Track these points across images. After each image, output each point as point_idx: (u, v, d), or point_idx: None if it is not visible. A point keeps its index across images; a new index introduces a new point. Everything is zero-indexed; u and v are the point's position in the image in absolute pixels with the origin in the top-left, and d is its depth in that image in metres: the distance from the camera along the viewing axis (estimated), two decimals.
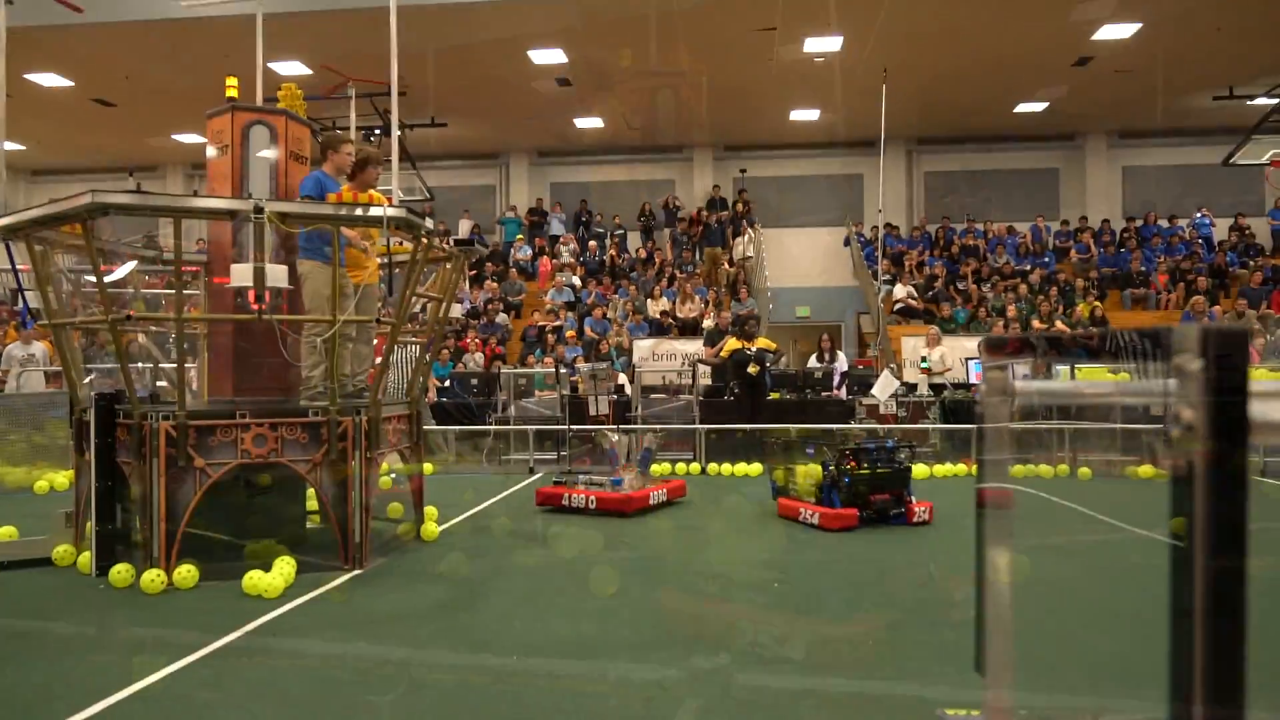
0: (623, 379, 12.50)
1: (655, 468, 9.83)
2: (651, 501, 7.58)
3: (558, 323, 15.66)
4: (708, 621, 4.40)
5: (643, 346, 14.18)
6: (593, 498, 7.48)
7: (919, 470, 9.04)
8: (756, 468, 10.00)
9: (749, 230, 18.94)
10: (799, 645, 4.04)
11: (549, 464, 10.73)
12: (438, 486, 7.93)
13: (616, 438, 7.91)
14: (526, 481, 9.74)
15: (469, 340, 14.76)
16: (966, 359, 12.27)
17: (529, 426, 10.89)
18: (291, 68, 13.93)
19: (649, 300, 16.78)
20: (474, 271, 17.89)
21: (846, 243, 19.71)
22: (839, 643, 4.12)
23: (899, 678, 3.60)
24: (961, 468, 9.81)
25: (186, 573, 5.06)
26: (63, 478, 9.26)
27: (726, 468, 10.11)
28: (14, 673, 3.73)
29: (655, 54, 14.54)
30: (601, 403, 10.65)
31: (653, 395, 11.46)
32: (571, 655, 3.89)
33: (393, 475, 7.99)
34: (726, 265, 18.23)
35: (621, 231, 19.95)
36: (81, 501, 5.81)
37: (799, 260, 19.93)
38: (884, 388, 10.58)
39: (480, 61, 14.88)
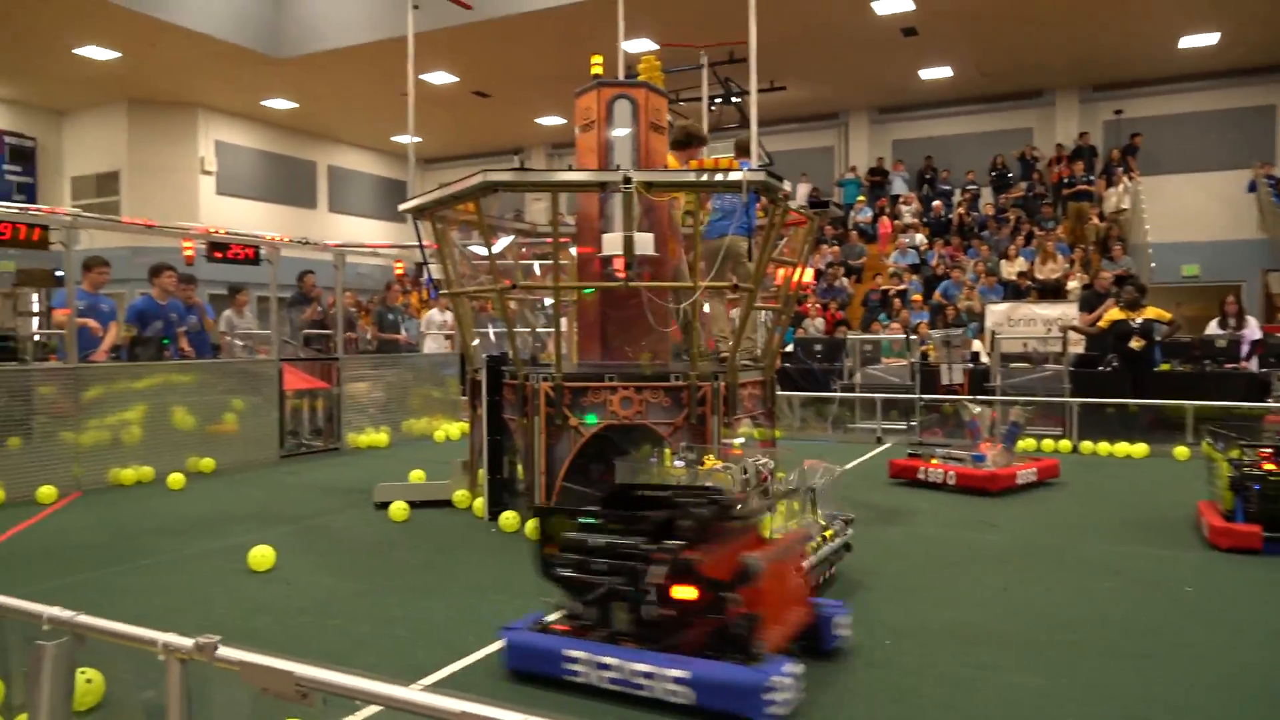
0: (977, 345, 11.62)
1: (1021, 444, 9.01)
2: (1019, 481, 6.92)
3: (902, 286, 14.93)
4: (1101, 623, 3.86)
5: (996, 311, 13.05)
6: (952, 473, 6.98)
7: None
8: (1141, 448, 8.79)
9: (1124, 179, 16.71)
10: (1220, 667, 3.40)
11: (897, 434, 10.27)
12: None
13: (979, 410, 7.30)
14: (874, 451, 9.39)
15: (809, 305, 14.55)
16: None
17: (876, 394, 10.49)
18: (641, 45, 14.51)
19: (1003, 261, 15.43)
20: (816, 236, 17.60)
21: (1251, 188, 16.67)
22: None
23: None
24: None
25: (536, 526, 5.43)
26: (455, 429, 10.49)
27: (1104, 446, 9.00)
28: (431, 602, 4.20)
29: None
30: (955, 371, 9.99)
31: (1013, 365, 10.50)
32: (948, 645, 3.59)
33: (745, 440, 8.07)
34: (1096, 220, 16.24)
35: (973, 187, 18.53)
36: (474, 452, 6.48)
37: (1187, 211, 17.20)
38: None
39: (820, 19, 14.45)
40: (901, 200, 18.61)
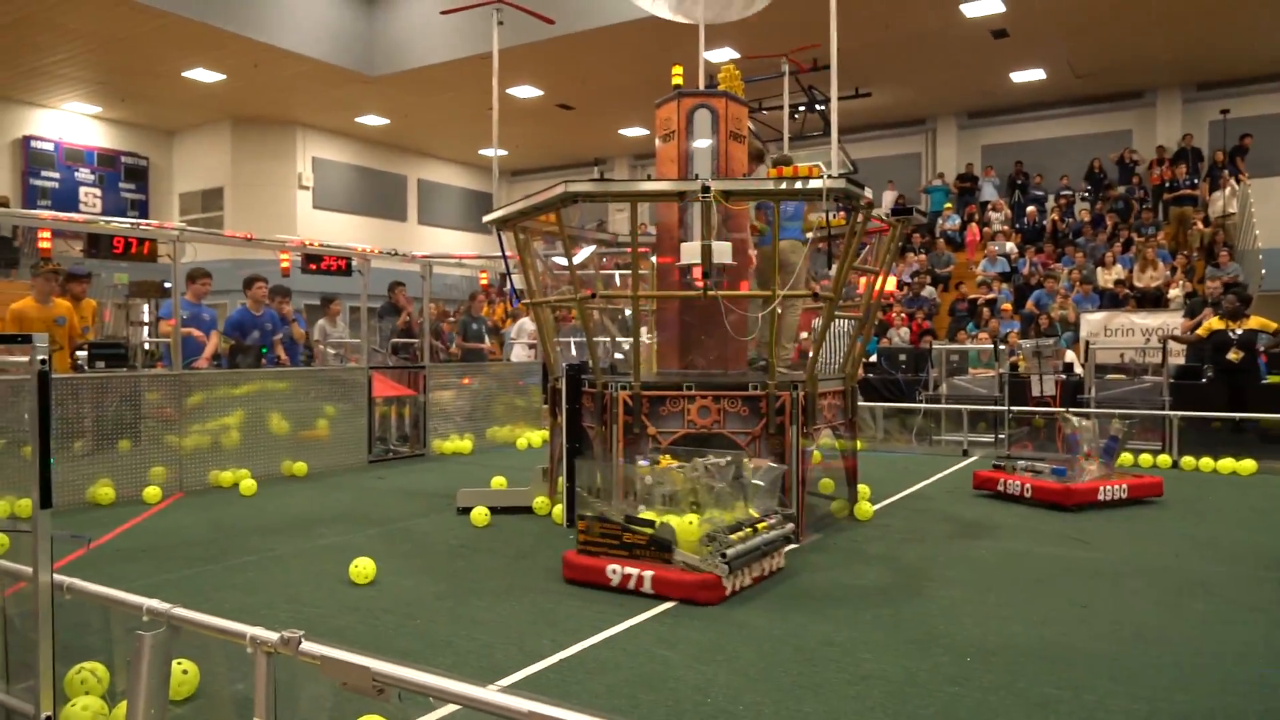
0: (1071, 356, 11.21)
1: (1145, 459, 8.67)
2: (1100, 497, 6.66)
3: (991, 295, 14.52)
4: (1193, 646, 3.67)
5: (1093, 320, 12.61)
6: (1029, 486, 6.81)
7: None
8: (1248, 465, 8.34)
9: (1230, 182, 15.91)
10: None
11: (985, 447, 9.98)
12: (866, 464, 7.73)
13: (1082, 423, 7.04)
14: (961, 464, 9.14)
15: (894, 315, 14.28)
16: None
17: (963, 406, 10.21)
18: (723, 54, 14.52)
19: (1099, 268, 14.85)
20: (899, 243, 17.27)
21: None
22: None
23: None
24: None
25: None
26: (537, 436, 10.64)
27: (1206, 462, 8.56)
28: (510, 606, 4.27)
29: None
30: (1047, 383, 9.66)
31: (1109, 376, 10.10)
32: (1034, 664, 3.47)
33: (825, 451, 7.98)
34: (1200, 225, 15.50)
35: (1069, 193, 17.91)
36: (554, 459, 6.56)
37: None
38: None
39: (907, 23, 14.21)
40: (991, 207, 18.11)
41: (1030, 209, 17.73)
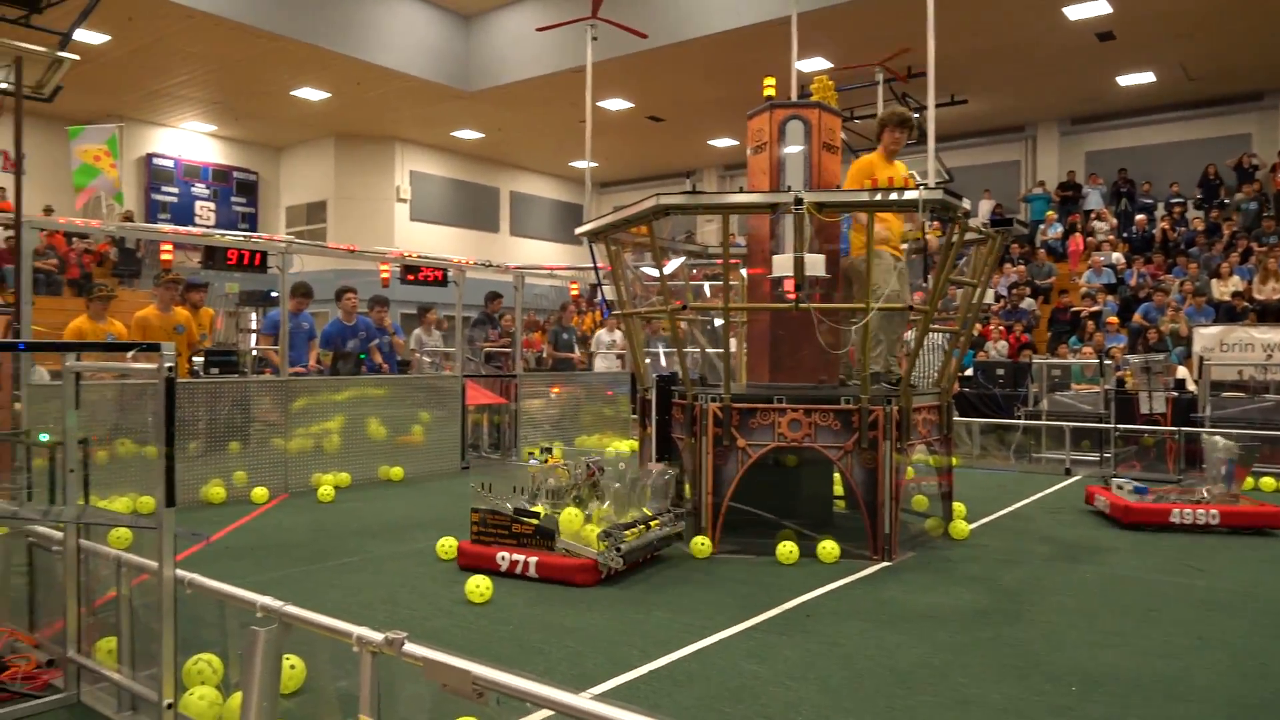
0: (1183, 372, 10.69)
1: (1268, 482, 8.23)
2: (1173, 520, 6.37)
3: (1095, 307, 13.97)
4: None
5: (1207, 335, 11.97)
6: (1106, 501, 6.69)
7: None
8: None
9: None
10: None
11: (1089, 466, 9.59)
12: (961, 482, 7.51)
13: (1223, 443, 6.73)
14: (1064, 483, 8.80)
15: (990, 327, 13.88)
16: None
17: (1065, 423, 9.84)
18: (815, 64, 14.41)
19: (1214, 280, 14.14)
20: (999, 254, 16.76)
21: None
22: None
23: None
24: None
25: (702, 544, 5.54)
26: (625, 446, 10.70)
27: None
28: (600, 614, 4.31)
29: None
30: (1157, 400, 9.25)
31: (1225, 394, 9.59)
32: (1144, 696, 3.33)
33: (919, 467, 7.82)
34: None
35: (1180, 200, 17.11)
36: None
37: None
38: None
39: (1006, 28, 13.84)
40: (1096, 215, 17.43)
41: (1139, 217, 17.01)
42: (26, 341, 5.48)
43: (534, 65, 16.26)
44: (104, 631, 3.27)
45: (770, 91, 6.57)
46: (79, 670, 3.21)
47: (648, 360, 7.53)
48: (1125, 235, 16.87)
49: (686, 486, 6.10)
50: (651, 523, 5.21)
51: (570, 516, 5.06)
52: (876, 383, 5.75)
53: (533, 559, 4.91)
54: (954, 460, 6.87)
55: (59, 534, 3.29)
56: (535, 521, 5.00)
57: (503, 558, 4.99)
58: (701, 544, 5.48)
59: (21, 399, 6.03)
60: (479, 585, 4.51)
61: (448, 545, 5.35)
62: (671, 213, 5.54)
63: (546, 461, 5.58)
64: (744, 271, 6.71)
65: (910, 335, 7.21)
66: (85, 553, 3.23)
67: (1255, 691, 3.39)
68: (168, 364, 2.61)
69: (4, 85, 6.29)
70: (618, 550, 4.81)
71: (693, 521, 5.75)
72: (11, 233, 8.24)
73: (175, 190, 20.14)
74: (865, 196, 5.26)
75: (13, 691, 3.14)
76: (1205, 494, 6.48)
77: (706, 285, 8.06)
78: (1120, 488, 6.83)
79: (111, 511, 5.31)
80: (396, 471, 8.60)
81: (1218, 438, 6.88)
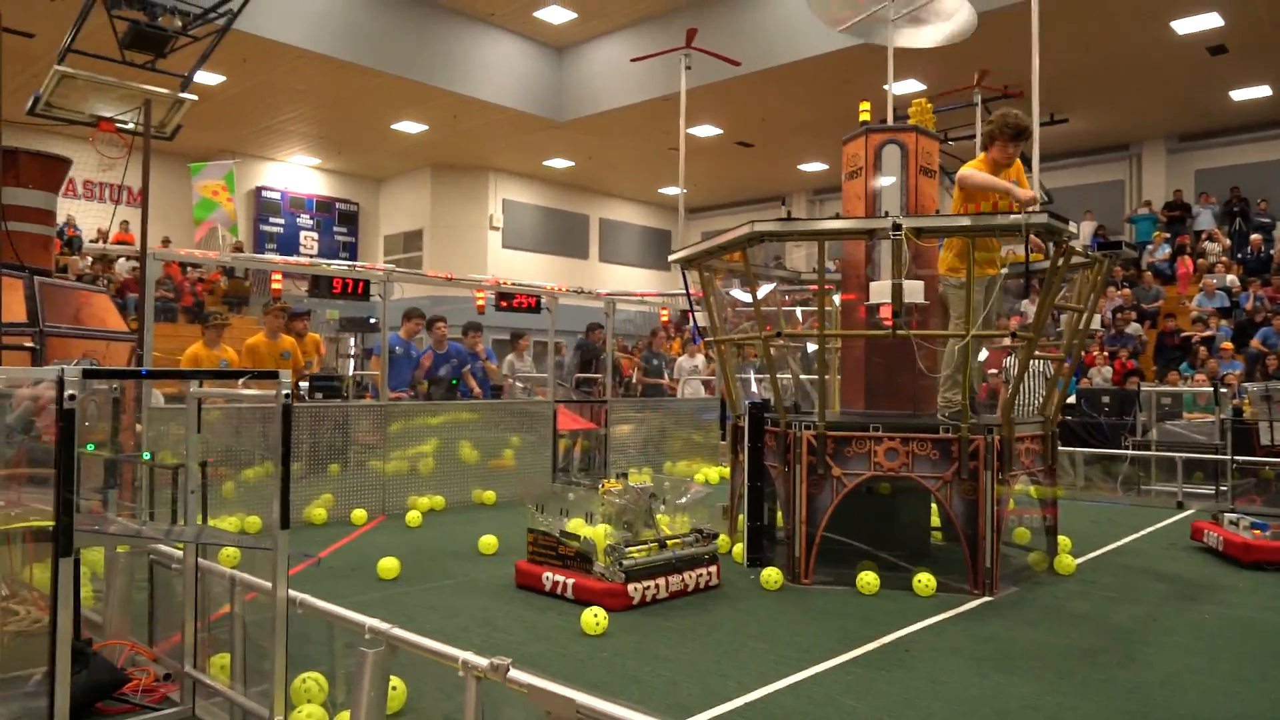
0: None
1: None
2: None
3: (1208, 332, 13.30)
4: None
5: None
6: (1220, 539, 6.35)
7: None
8: None
9: None
10: None
11: (1203, 499, 9.09)
12: (1066, 514, 7.22)
13: None
14: (1176, 517, 8.36)
15: (1094, 353, 13.35)
16: None
17: (1176, 454, 9.36)
18: (909, 86, 14.21)
19: None
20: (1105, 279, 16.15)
21: None
22: None
23: None
24: None
25: (771, 577, 5.34)
26: (714, 473, 10.64)
27: None
28: (694, 644, 4.28)
29: None
30: (1278, 430, 8.73)
31: None
32: None
33: (1021, 499, 7.56)
34: None
35: None
36: (734, 497, 6.54)
37: None
38: None
39: (1110, 44, 13.42)
40: (1207, 236, 16.65)
41: (1254, 237, 16.17)
42: (148, 369, 5.79)
43: (625, 94, 16.51)
44: (218, 648, 3.41)
45: (865, 116, 6.51)
46: (194, 685, 3.34)
47: (739, 386, 7.49)
48: (1239, 257, 16.06)
49: (779, 515, 6.03)
50: (669, 542, 5.14)
51: (599, 537, 5.08)
52: (946, 414, 5.55)
53: (570, 580, 4.98)
54: (1058, 492, 6.61)
55: (179, 553, 3.45)
56: (577, 544, 5.06)
57: (547, 578, 5.10)
58: (770, 576, 5.36)
59: (142, 421, 6.37)
60: (597, 617, 4.42)
61: (600, 619, 4.73)
62: (766, 239, 5.52)
63: (603, 487, 5.56)
64: (837, 298, 6.62)
65: (1010, 361, 6.99)
66: (202, 571, 3.38)
67: None
68: (285, 391, 2.72)
69: (131, 125, 6.73)
70: (620, 565, 4.82)
71: (784, 550, 5.67)
72: (136, 263, 8.74)
73: (281, 221, 21.10)
74: (966, 221, 5.14)
75: (133, 704, 3.30)
76: None
77: (799, 311, 7.99)
78: (1235, 523, 6.44)
79: (228, 532, 5.55)
80: (489, 495, 8.74)
81: None
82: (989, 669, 3.95)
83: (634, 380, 12.67)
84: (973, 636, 4.48)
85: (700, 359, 12.43)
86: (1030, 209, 4.96)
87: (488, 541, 6.42)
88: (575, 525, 5.26)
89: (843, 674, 3.89)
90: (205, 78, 14.62)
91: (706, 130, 17.78)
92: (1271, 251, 15.77)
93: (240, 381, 3.45)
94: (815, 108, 15.93)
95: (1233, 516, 6.52)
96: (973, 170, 5.48)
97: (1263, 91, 15.59)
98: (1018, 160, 5.84)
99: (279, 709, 2.83)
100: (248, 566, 3.87)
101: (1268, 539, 6.14)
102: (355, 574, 5.67)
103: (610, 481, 5.48)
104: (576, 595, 4.91)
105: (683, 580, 5.15)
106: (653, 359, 12.86)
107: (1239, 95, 15.82)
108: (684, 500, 5.55)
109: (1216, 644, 4.38)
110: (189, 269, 16.72)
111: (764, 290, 7.03)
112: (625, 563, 4.85)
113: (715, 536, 5.46)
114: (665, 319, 13.23)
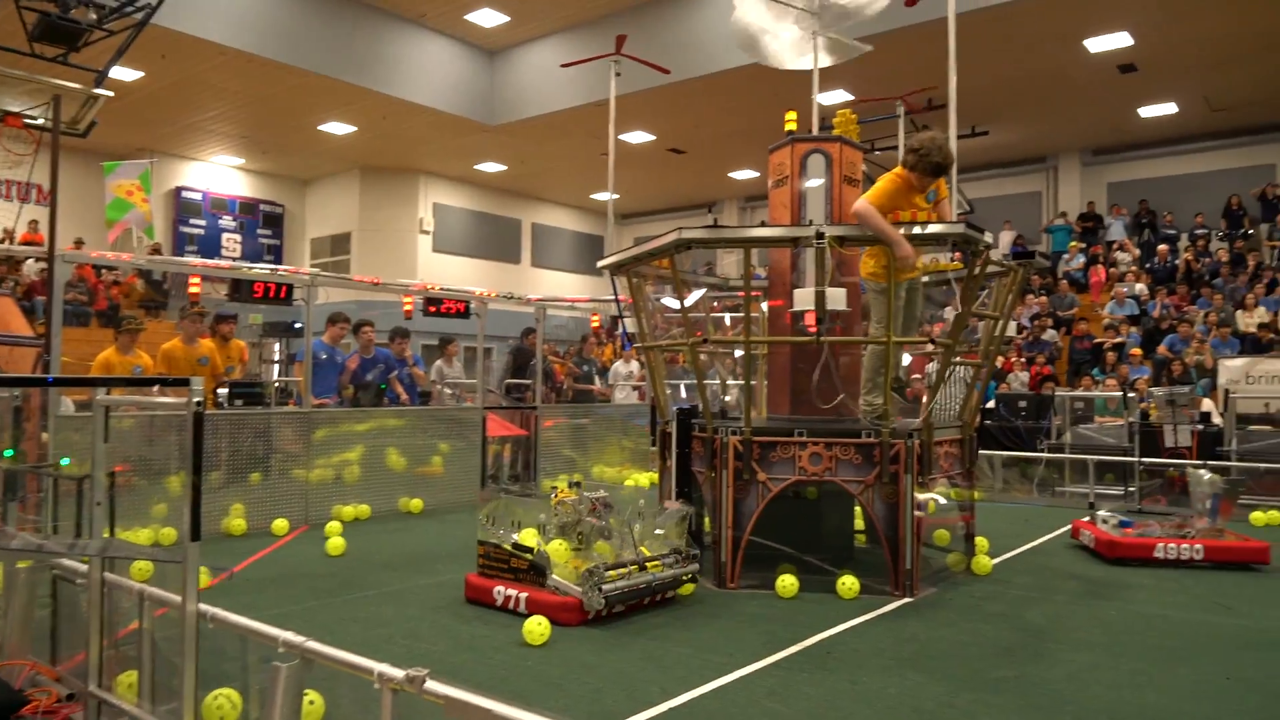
0: (1208, 405, 10.56)
1: (1260, 517, 8.10)
2: (1156, 555, 6.35)
3: (1119, 339, 13.85)
4: None
5: (1232, 367, 11.82)
6: (1091, 536, 6.72)
7: None
8: None
9: None
10: None
11: (1114, 499, 9.45)
12: (984, 516, 7.44)
13: (1208, 477, 6.67)
14: (1088, 517, 8.66)
15: (1012, 359, 13.78)
16: None
17: (1089, 456, 9.73)
18: (837, 96, 14.48)
19: (1239, 311, 14.01)
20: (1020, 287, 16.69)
21: None
22: None
23: None
24: None
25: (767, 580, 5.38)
26: (644, 478, 10.67)
27: None
28: (620, 651, 4.28)
29: (1250, 13, 12.12)
30: (1182, 433, 9.13)
31: (1252, 426, 9.46)
32: None
33: (941, 501, 7.76)
34: None
35: (1204, 232, 17.00)
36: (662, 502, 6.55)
37: None
38: None
39: (1028, 61, 13.89)
40: (1118, 246, 17.35)
41: (1161, 248, 16.92)
42: (55, 376, 5.56)
43: (557, 99, 16.47)
44: (125, 665, 3.28)
45: (792, 126, 6.62)
46: (100, 705, 3.21)
47: (668, 393, 7.53)
48: (1148, 266, 16.78)
49: (706, 520, 6.07)
50: (650, 564, 4.99)
51: (558, 551, 4.96)
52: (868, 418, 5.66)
53: (524, 594, 4.83)
54: (977, 494, 6.80)
55: (83, 566, 3.31)
56: (530, 557, 4.91)
57: (499, 592, 4.95)
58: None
59: (49, 430, 6.12)
60: (539, 626, 4.37)
61: (541, 628, 4.61)
62: (694, 246, 5.57)
63: (558, 495, 5.40)
64: (764, 305, 6.71)
65: (931, 367, 7.16)
66: (109, 586, 3.25)
67: None
68: (196, 399, 2.64)
69: (41, 121, 6.46)
70: (599, 590, 4.64)
71: (711, 555, 5.71)
72: (44, 265, 8.39)
73: (202, 223, 20.48)
74: (889, 230, 5.24)
75: None
76: (1192, 529, 6.48)
77: (727, 317, 8.07)
78: (1105, 521, 6.81)
79: (136, 545, 5.34)
80: (416, 504, 8.61)
81: (1203, 472, 6.84)
82: (908, 669, 4.04)
83: (565, 386, 12.64)
84: (893, 637, 4.58)
85: (636, 365, 12.46)
86: (904, 262, 5.20)
87: (415, 549, 6.33)
88: (527, 537, 5.10)
89: (766, 677, 3.94)
90: (122, 73, 14.12)
91: (639, 136, 17.85)
92: (1176, 262, 16.51)
93: (156, 389, 3.33)
94: (746, 117, 16.12)
95: (1105, 515, 6.92)
96: (869, 210, 5.28)
97: (1169, 109, 16.32)
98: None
99: None
100: (160, 581, 3.74)
101: (1131, 537, 6.52)
102: (275, 586, 5.53)
103: (565, 490, 5.31)
104: (530, 609, 4.70)
105: (662, 599, 5.06)
106: (583, 364, 12.84)
107: (1147, 112, 16.54)
108: (660, 519, 5.35)
109: (1121, 640, 4.55)
110: (104, 271, 16.11)
111: (694, 297, 7.08)
112: (605, 587, 4.66)
113: (696, 556, 5.31)
114: (596, 324, 13.22)
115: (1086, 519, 7.15)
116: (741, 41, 7.86)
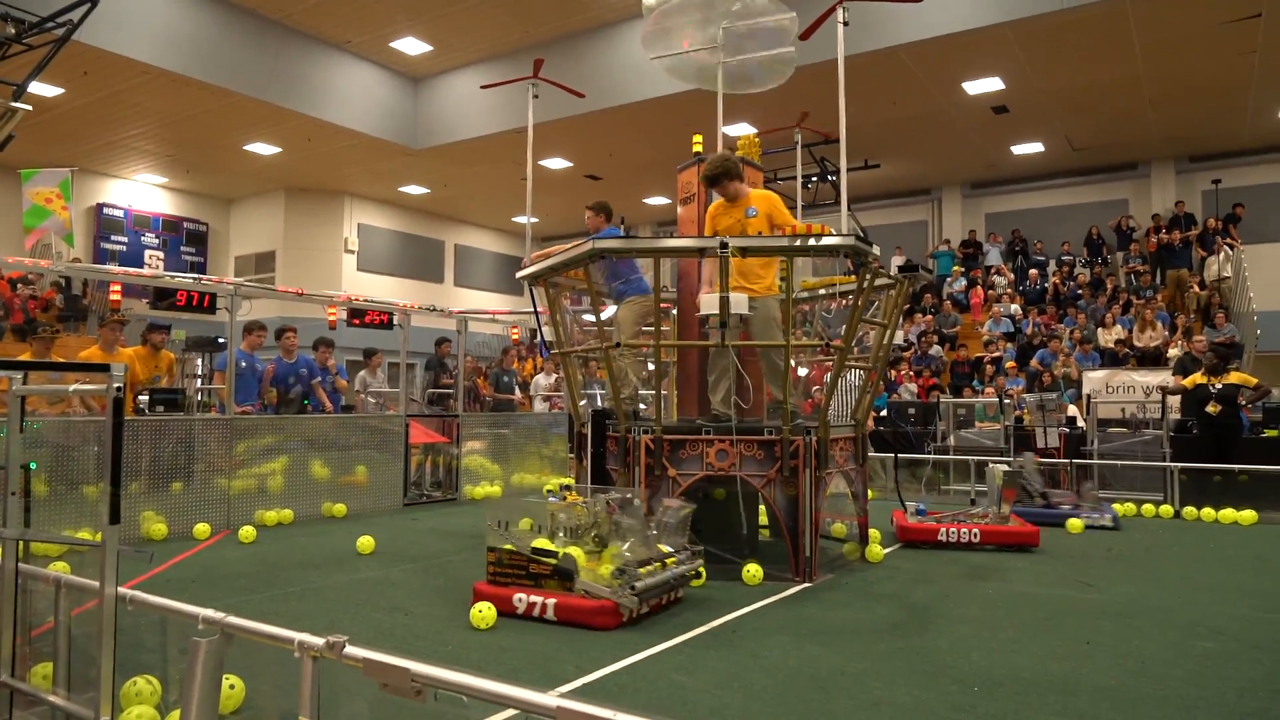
0: (1074, 410, 11.13)
1: (1119, 508, 8.57)
2: (940, 538, 6.91)
3: (997, 354, 14.49)
4: (1198, 680, 3.60)
5: (1094, 378, 12.52)
6: (896, 523, 7.23)
7: None
8: (1249, 515, 8.20)
9: (1224, 246, 15.89)
10: None
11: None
12: (877, 512, 7.68)
13: (997, 470, 7.23)
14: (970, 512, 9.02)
15: (902, 372, 14.27)
16: None
17: (970, 457, 10.13)
18: (741, 129, 14.83)
19: (1099, 329, 14.83)
20: (907, 305, 17.30)
21: None
22: None
23: None
24: None
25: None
26: (565, 483, 10.62)
27: (1208, 512, 8.42)
28: (538, 636, 4.27)
29: (1104, 66, 12.94)
30: (1051, 435, 9.60)
31: (1110, 429, 10.01)
32: (1039, 694, 3.43)
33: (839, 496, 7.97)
34: (1196, 288, 15.46)
35: (1069, 258, 17.96)
36: None
37: None
38: None
39: (913, 102, 14.49)
40: (995, 271, 18.18)
41: (1032, 273, 17.79)
42: None
43: (479, 125, 16.39)
44: (40, 659, 3.13)
45: (698, 148, 6.76)
46: (11, 694, 3.05)
47: (584, 400, 7.55)
48: (1021, 289, 17.60)
49: None
50: (668, 560, 4.77)
51: (577, 555, 4.62)
52: (718, 420, 5.77)
53: (551, 600, 4.46)
54: (871, 493, 7.02)
55: None
56: (553, 561, 4.54)
57: (520, 599, 4.55)
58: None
59: None
60: (483, 612, 4.31)
61: (486, 613, 4.46)
62: (606, 256, 5.63)
63: (565, 499, 5.09)
64: (674, 312, 6.82)
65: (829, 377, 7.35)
66: (24, 575, 3.10)
67: (1135, 686, 3.52)
68: (116, 384, 2.56)
69: None
70: (632, 589, 4.38)
71: None
72: None
73: (125, 239, 19.61)
74: (785, 243, 5.42)
75: None
76: (985, 514, 7.05)
77: (640, 326, 8.13)
78: (908, 510, 7.29)
79: (54, 534, 5.10)
80: (340, 509, 8.40)
81: (994, 465, 7.30)
82: (806, 643, 4.15)
83: (487, 398, 12.53)
84: (793, 617, 4.69)
85: (554, 377, 12.43)
86: None
87: (337, 550, 6.18)
88: (543, 542, 4.70)
89: (675, 654, 3.98)
90: (41, 89, 13.49)
91: (558, 163, 17.90)
92: (1045, 285, 17.38)
93: (72, 388, 3.19)
94: (658, 146, 16.34)
95: (913, 506, 7.39)
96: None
97: (1036, 148, 17.22)
98: (762, 191, 6.15)
99: (105, 710, 2.64)
100: (79, 572, 3.58)
101: (919, 522, 7.03)
102: (196, 586, 5.33)
103: (572, 495, 5.06)
104: (560, 616, 4.42)
105: (663, 597, 4.74)
106: (503, 376, 12.76)
107: (1018, 150, 17.41)
108: (670, 519, 5.10)
109: (998, 614, 4.76)
110: (19, 285, 15.26)
111: (610, 310, 7.14)
112: (637, 585, 4.41)
113: (700, 552, 5.11)
114: (516, 338, 13.17)
115: (900, 510, 7.58)
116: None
